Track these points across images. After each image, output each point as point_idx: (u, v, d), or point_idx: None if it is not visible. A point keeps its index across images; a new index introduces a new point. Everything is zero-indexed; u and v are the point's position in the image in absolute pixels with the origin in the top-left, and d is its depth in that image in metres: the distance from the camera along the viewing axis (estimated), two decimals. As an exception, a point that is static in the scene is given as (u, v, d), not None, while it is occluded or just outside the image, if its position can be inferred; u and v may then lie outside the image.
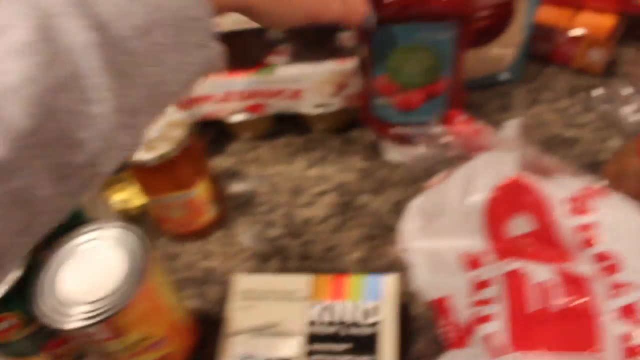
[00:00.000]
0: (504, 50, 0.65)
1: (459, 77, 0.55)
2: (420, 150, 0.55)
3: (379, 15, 0.48)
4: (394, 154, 0.62)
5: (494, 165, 0.47)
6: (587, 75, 0.70)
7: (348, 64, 0.59)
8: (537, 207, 0.45)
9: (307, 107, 0.63)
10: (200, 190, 0.57)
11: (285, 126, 0.69)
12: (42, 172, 0.25)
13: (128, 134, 0.28)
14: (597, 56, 0.68)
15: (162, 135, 0.52)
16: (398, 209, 0.58)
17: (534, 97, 0.68)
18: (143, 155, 0.51)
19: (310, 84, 0.60)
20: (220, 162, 0.67)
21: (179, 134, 0.52)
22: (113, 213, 0.59)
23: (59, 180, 0.26)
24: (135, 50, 0.27)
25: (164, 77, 0.29)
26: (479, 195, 0.46)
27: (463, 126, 0.53)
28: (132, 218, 0.62)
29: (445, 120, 0.54)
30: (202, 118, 0.64)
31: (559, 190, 0.46)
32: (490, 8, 0.61)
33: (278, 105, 0.62)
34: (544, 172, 0.51)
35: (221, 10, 0.32)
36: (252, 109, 0.63)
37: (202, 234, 0.60)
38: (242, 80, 0.60)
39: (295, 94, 0.61)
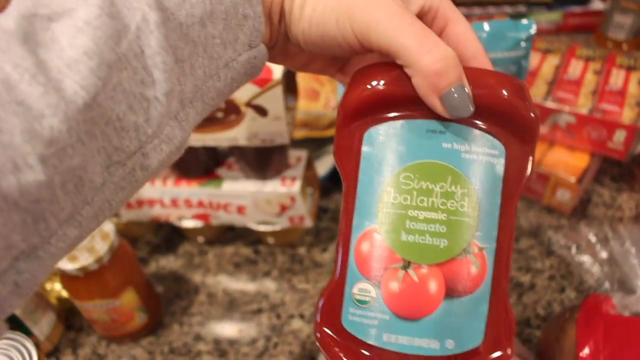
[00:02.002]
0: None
1: (507, 262, 0.29)
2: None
3: (384, 103, 0.29)
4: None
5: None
6: (556, 213, 0.67)
7: (292, 187, 0.58)
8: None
9: (251, 222, 0.62)
10: (127, 299, 0.56)
11: (237, 234, 0.68)
12: (95, 153, 0.24)
13: (177, 126, 0.27)
14: (565, 196, 0.65)
15: (86, 246, 0.52)
16: (327, 342, 0.56)
17: (495, 233, 0.66)
18: (65, 264, 0.51)
19: (253, 201, 0.59)
20: (168, 263, 0.67)
21: (102, 246, 0.52)
22: (50, 303, 0.59)
23: (109, 167, 0.25)
24: (191, 38, 0.26)
25: (213, 71, 0.28)
26: None
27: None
28: (70, 309, 0.62)
29: None
30: (152, 219, 0.64)
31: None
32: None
33: (224, 218, 0.62)
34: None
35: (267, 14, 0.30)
36: (199, 217, 0.62)
37: (131, 338, 0.59)
38: (189, 190, 0.60)
39: (240, 209, 0.60)
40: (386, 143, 0.29)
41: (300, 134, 0.69)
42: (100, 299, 0.55)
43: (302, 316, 0.59)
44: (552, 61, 0.72)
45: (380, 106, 0.29)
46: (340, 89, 0.60)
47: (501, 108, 0.28)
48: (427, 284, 0.28)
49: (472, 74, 0.27)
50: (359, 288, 0.29)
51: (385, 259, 0.28)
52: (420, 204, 0.28)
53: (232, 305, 0.62)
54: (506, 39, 0.54)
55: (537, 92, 0.67)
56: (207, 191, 0.59)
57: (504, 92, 0.27)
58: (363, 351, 0.29)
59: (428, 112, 0.28)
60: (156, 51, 0.25)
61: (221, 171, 0.61)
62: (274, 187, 0.58)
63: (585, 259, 0.61)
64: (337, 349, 0.29)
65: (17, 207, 0.21)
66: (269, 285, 0.63)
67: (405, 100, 0.28)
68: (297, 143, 0.69)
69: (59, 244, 0.23)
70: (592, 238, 0.62)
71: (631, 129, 0.62)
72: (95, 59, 0.23)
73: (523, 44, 0.55)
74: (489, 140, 0.28)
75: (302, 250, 0.66)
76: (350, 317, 0.29)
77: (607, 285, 0.58)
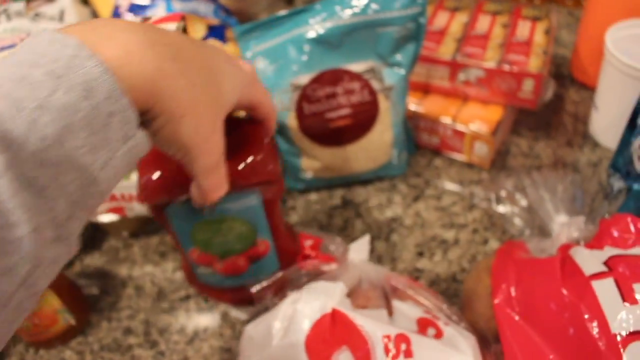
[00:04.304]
0: (377, 147, 0.63)
1: (282, 234, 0.49)
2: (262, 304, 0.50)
3: (172, 194, 0.43)
4: (236, 312, 0.58)
5: (319, 297, 0.45)
6: (476, 168, 0.68)
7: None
8: (356, 345, 0.42)
9: (169, 210, 0.60)
10: (46, 302, 0.54)
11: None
12: None
13: (60, 245, 0.27)
14: (482, 150, 0.66)
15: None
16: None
17: (417, 194, 0.66)
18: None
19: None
20: (93, 261, 0.65)
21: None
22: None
23: None
24: (52, 160, 0.25)
25: (90, 179, 0.27)
26: (301, 330, 0.44)
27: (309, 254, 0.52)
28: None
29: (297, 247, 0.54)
30: (69, 217, 0.62)
31: (381, 326, 0.43)
32: (350, 107, 0.59)
33: (138, 209, 0.60)
34: (392, 294, 0.49)
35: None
36: (114, 210, 0.61)
37: (58, 341, 0.58)
38: (100, 183, 0.58)
39: (156, 197, 0.59)
40: (182, 213, 0.45)
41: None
42: (17, 304, 0.53)
43: (230, 298, 0.59)
44: (461, 19, 0.72)
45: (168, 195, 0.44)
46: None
47: (251, 181, 0.43)
48: (235, 263, 0.49)
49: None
50: (203, 268, 0.50)
51: (210, 258, 0.49)
52: (219, 231, 0.46)
53: (160, 295, 0.61)
54: (400, -3, 0.54)
55: (445, 50, 0.67)
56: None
57: (253, 178, 0.43)
58: (212, 290, 0.53)
59: None
60: (10, 195, 0.24)
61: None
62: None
63: (506, 209, 0.62)
64: (199, 290, 0.55)
65: None
66: (196, 271, 0.62)
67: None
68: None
69: None
70: (511, 187, 0.63)
71: (538, 77, 0.63)
72: None
73: (419, 0, 0.55)
74: (249, 193, 0.44)
75: (226, 232, 0.65)
76: (201, 277, 0.51)
77: (527, 232, 0.59)
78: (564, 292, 0.43)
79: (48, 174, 0.25)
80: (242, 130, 0.44)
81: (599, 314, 0.41)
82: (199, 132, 0.33)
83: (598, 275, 0.43)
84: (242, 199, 0.44)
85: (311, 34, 0.56)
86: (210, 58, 0.35)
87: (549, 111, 0.73)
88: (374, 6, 0.54)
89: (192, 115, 0.32)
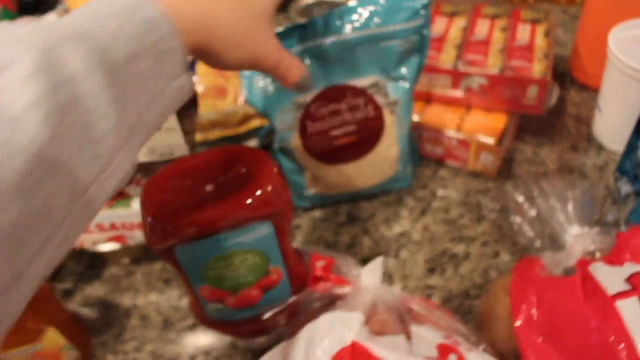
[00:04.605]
0: (383, 162, 0.61)
1: (292, 258, 0.48)
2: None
3: (181, 235, 0.41)
4: (249, 343, 0.57)
5: (335, 328, 0.43)
6: (482, 177, 0.67)
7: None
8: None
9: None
10: (49, 340, 0.52)
11: (161, 248, 0.65)
12: (56, 190, 0.26)
13: (126, 154, 0.30)
14: (488, 159, 0.64)
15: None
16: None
17: (424, 207, 0.65)
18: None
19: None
20: (94, 290, 0.63)
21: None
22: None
23: (71, 199, 0.27)
24: (128, 74, 0.30)
25: (150, 102, 0.32)
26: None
27: (321, 276, 0.50)
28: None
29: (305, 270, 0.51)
30: (67, 248, 0.60)
31: (403, 358, 0.41)
32: (355, 123, 0.58)
33: (140, 237, 0.58)
34: (409, 317, 0.48)
35: (188, 47, 0.35)
36: (114, 239, 0.59)
37: (63, 378, 0.56)
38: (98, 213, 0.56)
39: (157, 225, 0.57)
40: (191, 252, 0.43)
41: (214, 134, 0.66)
42: (19, 345, 0.51)
43: (239, 325, 0.57)
44: (459, 23, 0.71)
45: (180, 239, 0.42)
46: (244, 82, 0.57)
47: (262, 213, 0.42)
48: (248, 295, 0.47)
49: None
50: (214, 304, 0.47)
51: (222, 293, 0.46)
52: (231, 266, 0.44)
53: (166, 325, 0.59)
54: (403, 10, 0.52)
55: (446, 57, 0.66)
56: (117, 212, 0.56)
57: (266, 210, 0.42)
58: (224, 325, 0.50)
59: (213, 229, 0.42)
60: (99, 91, 0.28)
61: (130, 189, 0.57)
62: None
63: (515, 219, 0.60)
64: (210, 327, 0.51)
65: None
66: (202, 297, 0.60)
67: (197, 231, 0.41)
68: (212, 144, 0.66)
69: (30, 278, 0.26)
70: (519, 198, 0.62)
71: (542, 82, 0.62)
72: (42, 110, 0.25)
73: (422, 12, 0.53)
74: (260, 223, 0.43)
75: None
76: (211, 313, 0.48)
77: (538, 243, 0.58)
78: (587, 313, 0.42)
79: (126, 84, 0.30)
80: (251, 159, 0.44)
81: (624, 336, 0.40)
82: (257, 48, 0.39)
83: (622, 295, 0.42)
84: (255, 230, 0.43)
85: (312, 50, 0.54)
86: None
87: (551, 114, 0.72)
88: (376, 20, 0.53)
89: (245, 40, 0.38)
